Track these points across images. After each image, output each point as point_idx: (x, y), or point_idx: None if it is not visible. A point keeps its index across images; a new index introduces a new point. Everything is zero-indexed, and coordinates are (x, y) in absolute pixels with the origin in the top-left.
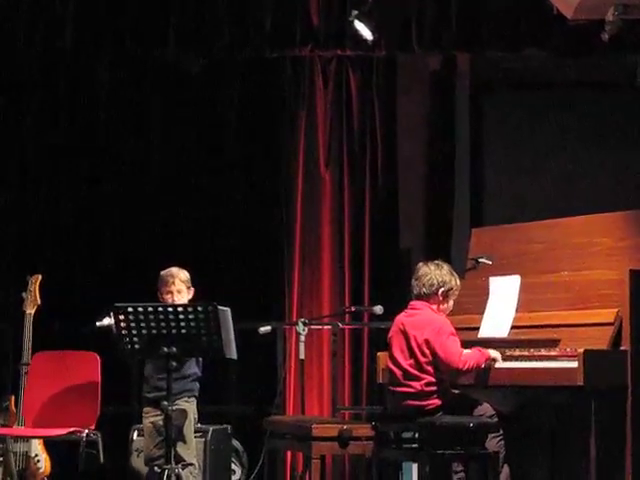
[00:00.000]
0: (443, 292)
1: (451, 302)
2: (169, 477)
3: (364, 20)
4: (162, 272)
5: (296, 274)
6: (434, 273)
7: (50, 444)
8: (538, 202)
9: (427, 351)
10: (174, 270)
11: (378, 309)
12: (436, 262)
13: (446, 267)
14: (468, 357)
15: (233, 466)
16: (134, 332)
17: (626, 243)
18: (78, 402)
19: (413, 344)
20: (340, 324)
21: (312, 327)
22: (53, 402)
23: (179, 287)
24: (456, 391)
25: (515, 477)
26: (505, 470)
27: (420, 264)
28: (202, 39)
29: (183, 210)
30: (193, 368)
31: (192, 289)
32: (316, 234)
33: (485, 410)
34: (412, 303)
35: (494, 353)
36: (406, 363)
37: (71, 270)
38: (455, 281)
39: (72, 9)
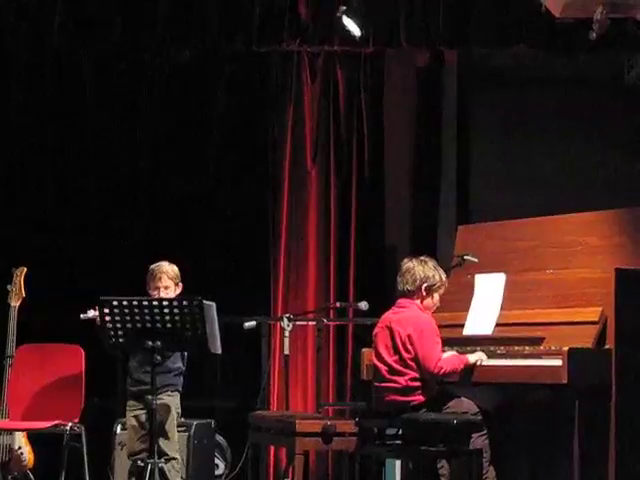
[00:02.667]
0: (426, 287)
1: (436, 297)
2: (152, 471)
3: (352, 16)
4: (151, 266)
5: (281, 270)
6: (417, 269)
7: (34, 437)
8: (525, 199)
9: (410, 347)
10: (163, 266)
11: (363, 305)
12: (421, 258)
13: (431, 263)
14: (445, 363)
15: (217, 461)
16: (119, 325)
17: (611, 242)
18: (62, 395)
19: (397, 340)
20: (325, 320)
21: (297, 323)
22: (37, 395)
23: (166, 283)
24: (438, 387)
25: (498, 474)
26: (491, 473)
27: (405, 260)
28: (190, 32)
29: (169, 204)
30: (177, 362)
31: (180, 285)
32: (302, 229)
33: (469, 408)
34: (399, 301)
35: (473, 358)
36: (391, 359)
37: (56, 263)
38: (439, 276)
39: (60, 2)
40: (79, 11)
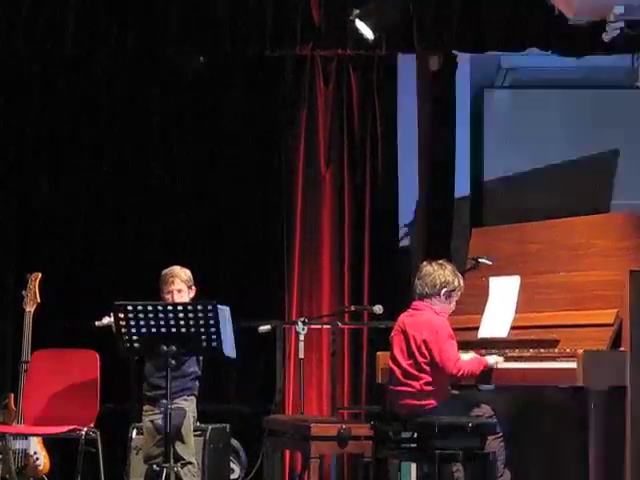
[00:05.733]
0: (445, 293)
1: (453, 303)
2: (168, 476)
3: (365, 19)
4: (164, 271)
5: (296, 273)
6: (437, 273)
7: (49, 442)
8: (538, 202)
9: (426, 352)
10: (175, 269)
11: (377, 309)
12: (440, 262)
13: (450, 267)
14: (463, 364)
15: (232, 465)
16: (133, 330)
17: (626, 244)
18: (77, 400)
19: (412, 344)
20: (339, 323)
21: (311, 326)
22: (52, 400)
23: (179, 287)
24: (455, 392)
25: (513, 477)
26: (507, 476)
27: (424, 263)
28: (203, 37)
29: (183, 208)
30: (193, 367)
31: (194, 288)
32: (316, 233)
33: (484, 411)
34: (414, 303)
35: (492, 360)
36: (405, 363)
37: (71, 268)
38: (458, 282)
39: (73, 6)
40: (92, 17)
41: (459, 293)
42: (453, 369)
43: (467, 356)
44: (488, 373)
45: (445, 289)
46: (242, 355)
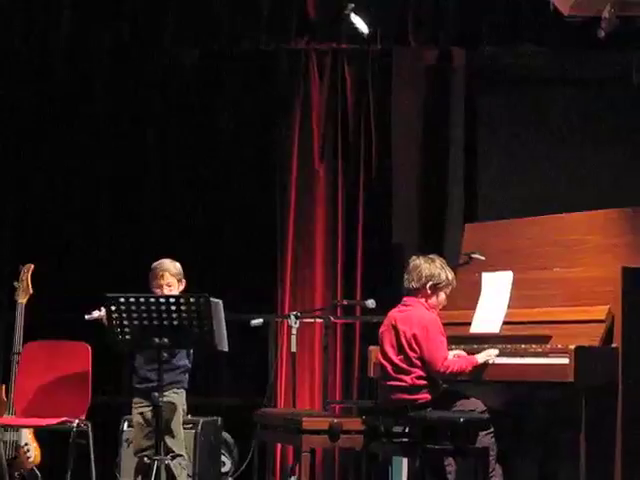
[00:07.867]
0: (431, 286)
1: (442, 296)
2: (158, 468)
3: (360, 13)
4: (154, 264)
5: (289, 267)
6: (423, 267)
7: (40, 433)
8: (532, 198)
9: (416, 346)
10: (165, 263)
11: (370, 303)
12: (429, 256)
13: (438, 261)
14: (451, 362)
15: (223, 458)
16: (125, 322)
17: (618, 240)
18: (69, 392)
19: (402, 339)
20: (332, 318)
21: (304, 320)
22: (44, 392)
23: (168, 280)
24: (445, 385)
25: (504, 472)
26: (498, 471)
27: (413, 257)
28: (198, 31)
29: (177, 202)
30: (183, 360)
31: (184, 282)
32: (309, 227)
33: (476, 406)
34: (405, 299)
35: (482, 359)
36: (396, 358)
37: (63, 260)
38: (445, 275)
39: (67, 1)
40: (87, 11)
41: (448, 287)
42: (440, 367)
43: (455, 353)
44: (480, 370)
45: (430, 282)
46: (234, 348)
